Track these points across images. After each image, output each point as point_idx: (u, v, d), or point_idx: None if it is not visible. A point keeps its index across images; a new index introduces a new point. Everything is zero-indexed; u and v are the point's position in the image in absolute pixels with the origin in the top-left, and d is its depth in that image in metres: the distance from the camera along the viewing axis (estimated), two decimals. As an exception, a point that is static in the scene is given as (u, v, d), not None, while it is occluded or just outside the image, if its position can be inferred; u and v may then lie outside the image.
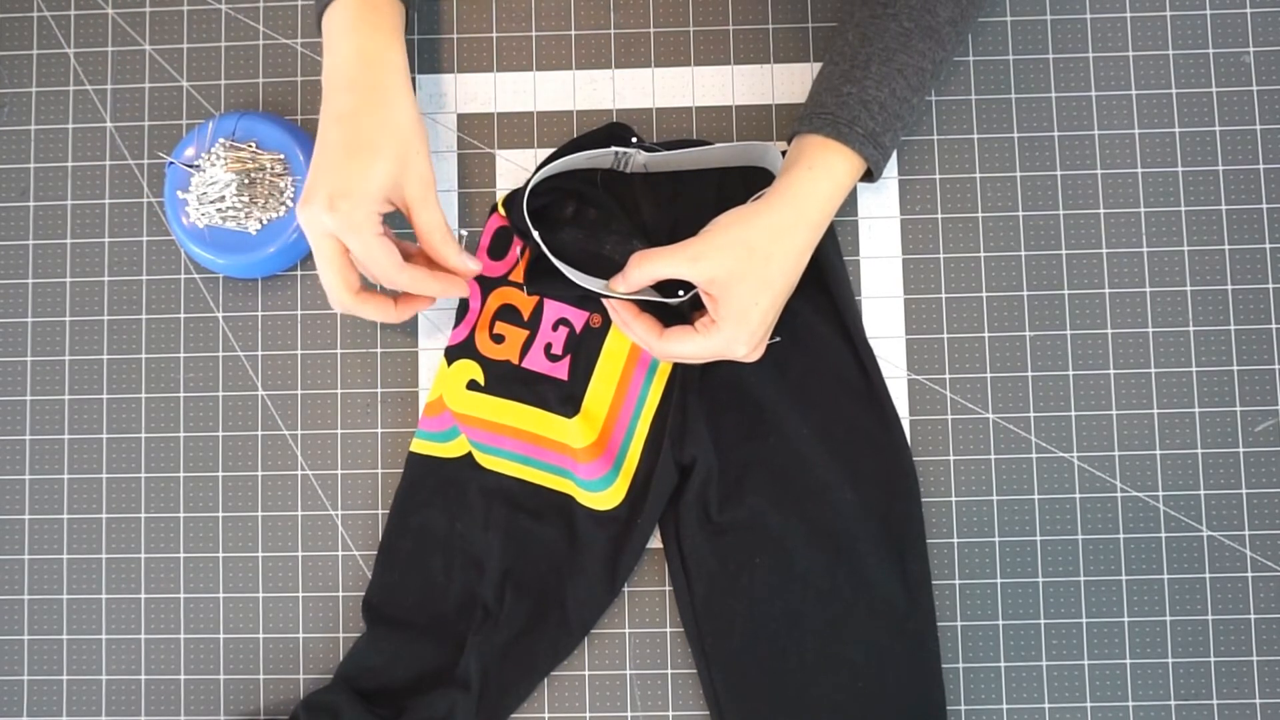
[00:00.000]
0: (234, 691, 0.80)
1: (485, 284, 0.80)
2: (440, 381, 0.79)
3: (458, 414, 0.78)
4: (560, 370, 0.79)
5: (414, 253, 0.75)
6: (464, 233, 0.82)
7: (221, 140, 0.79)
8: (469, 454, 0.79)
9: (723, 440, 0.78)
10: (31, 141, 0.84)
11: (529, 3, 0.84)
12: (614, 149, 0.78)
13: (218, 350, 0.82)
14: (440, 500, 0.79)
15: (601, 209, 0.79)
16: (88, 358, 0.82)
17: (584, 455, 0.77)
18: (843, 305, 0.79)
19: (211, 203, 0.79)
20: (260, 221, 0.79)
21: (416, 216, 0.72)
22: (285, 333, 0.82)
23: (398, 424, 0.81)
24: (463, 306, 0.80)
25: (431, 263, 0.74)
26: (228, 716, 0.80)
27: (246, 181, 0.79)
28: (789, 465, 0.78)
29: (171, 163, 0.80)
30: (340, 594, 0.80)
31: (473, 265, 0.74)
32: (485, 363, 0.79)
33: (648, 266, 0.72)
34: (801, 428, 0.78)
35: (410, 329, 0.82)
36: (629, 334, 0.76)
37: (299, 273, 0.82)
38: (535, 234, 0.74)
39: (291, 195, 0.79)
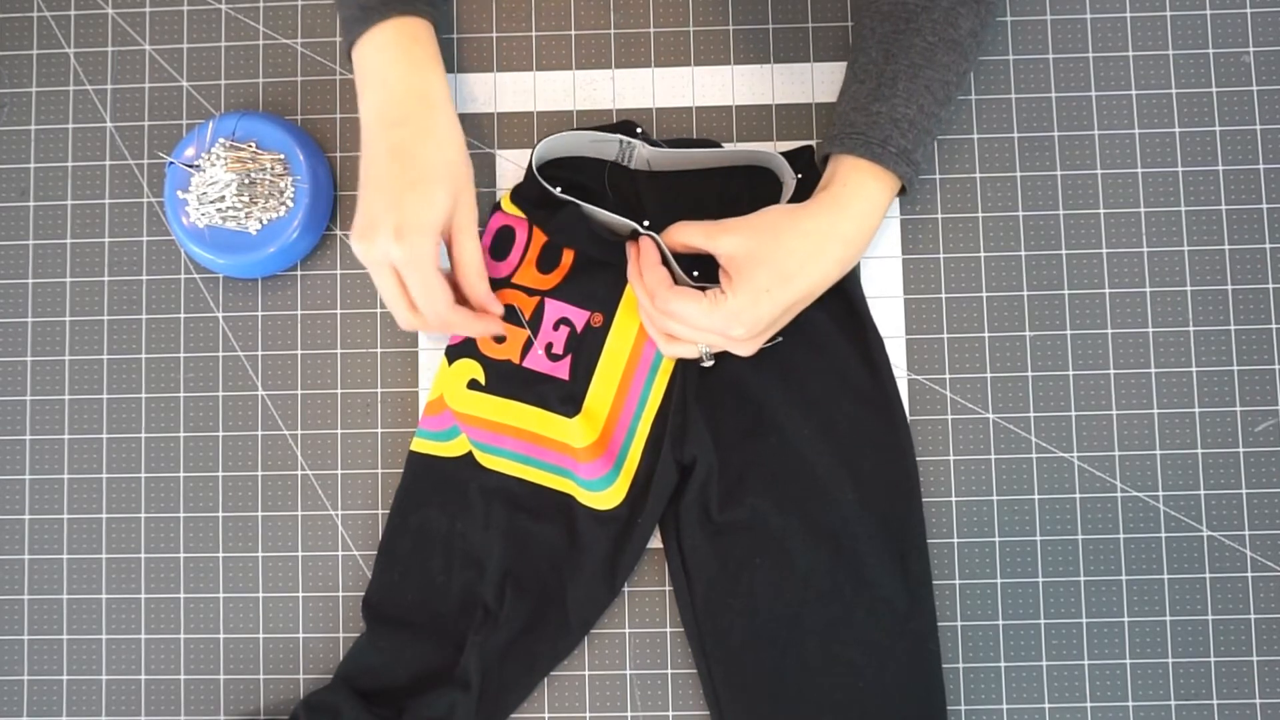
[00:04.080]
0: (234, 691, 0.80)
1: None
2: (441, 380, 0.79)
3: (458, 413, 0.78)
4: (561, 370, 0.79)
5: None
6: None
7: (221, 140, 0.79)
8: (469, 453, 0.79)
9: (723, 440, 0.78)
10: (31, 141, 0.84)
11: (529, 3, 0.84)
12: (619, 137, 0.78)
13: (218, 350, 0.82)
14: (440, 500, 0.79)
15: (604, 204, 0.79)
16: (88, 358, 0.82)
17: (585, 455, 0.77)
18: (856, 302, 0.79)
19: (211, 203, 0.79)
20: (260, 221, 0.79)
21: (459, 247, 0.73)
22: (285, 333, 0.82)
23: (398, 424, 0.81)
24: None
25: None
26: (228, 716, 0.80)
27: (246, 181, 0.79)
28: (790, 465, 0.78)
29: (171, 163, 0.80)
30: (340, 594, 0.80)
31: (496, 308, 0.76)
32: (486, 362, 0.79)
33: (677, 233, 0.74)
34: (803, 427, 0.78)
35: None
36: (637, 282, 0.75)
37: (299, 273, 0.82)
38: (557, 190, 0.76)
39: (291, 195, 0.79)
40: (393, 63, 0.73)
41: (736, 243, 0.72)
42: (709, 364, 0.76)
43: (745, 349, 0.74)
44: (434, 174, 0.71)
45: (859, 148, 0.73)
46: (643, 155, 0.79)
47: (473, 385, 0.79)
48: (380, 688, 0.77)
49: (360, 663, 0.78)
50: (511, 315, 0.79)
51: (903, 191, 0.75)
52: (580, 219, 0.77)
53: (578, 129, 0.79)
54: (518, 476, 0.79)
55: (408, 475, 0.79)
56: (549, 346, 0.79)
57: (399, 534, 0.79)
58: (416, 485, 0.79)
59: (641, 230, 0.76)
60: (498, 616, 0.77)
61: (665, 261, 0.76)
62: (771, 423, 0.78)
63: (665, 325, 0.74)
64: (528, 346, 0.79)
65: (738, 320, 0.71)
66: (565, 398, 0.78)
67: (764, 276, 0.71)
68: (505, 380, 0.79)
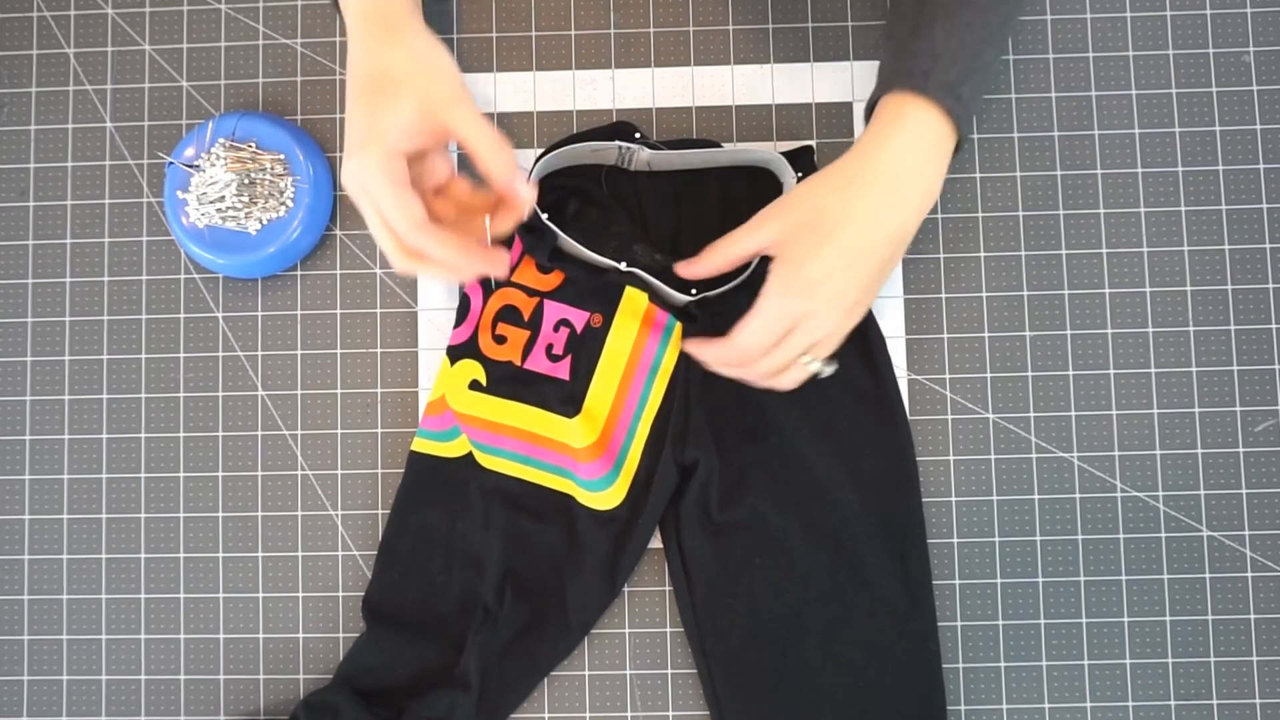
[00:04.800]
0: (234, 691, 0.80)
1: (487, 284, 0.80)
2: (442, 381, 0.79)
3: (459, 414, 0.78)
4: (561, 370, 0.79)
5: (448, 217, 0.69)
6: None
7: (221, 140, 0.79)
8: (470, 454, 0.79)
9: (724, 440, 0.78)
10: (31, 141, 0.84)
11: (529, 3, 0.84)
12: (618, 143, 0.78)
13: (218, 350, 0.82)
14: (441, 500, 0.79)
15: (603, 209, 0.79)
16: (88, 358, 0.82)
17: (585, 455, 0.77)
18: None
19: (211, 203, 0.79)
20: (260, 221, 0.79)
21: (462, 130, 0.65)
22: (285, 333, 0.82)
23: (398, 424, 0.81)
24: (464, 306, 0.80)
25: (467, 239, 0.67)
26: (228, 716, 0.80)
27: (246, 181, 0.79)
28: (790, 465, 0.78)
29: (171, 163, 0.80)
30: (340, 594, 0.80)
31: (526, 192, 0.66)
32: (487, 363, 0.79)
33: (724, 250, 0.69)
34: (803, 428, 0.78)
35: (409, 329, 0.82)
36: (721, 368, 0.71)
37: (299, 273, 0.82)
38: (551, 224, 0.76)
39: (291, 195, 0.79)
40: None
41: (774, 226, 0.67)
42: (830, 370, 0.70)
43: (834, 321, 0.67)
44: (393, 74, 0.64)
45: (898, 83, 0.68)
46: (642, 158, 0.79)
47: (474, 386, 0.79)
48: (380, 687, 0.77)
49: (360, 663, 0.78)
50: (510, 315, 0.80)
51: (959, 148, 0.69)
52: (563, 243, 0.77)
53: (576, 138, 0.78)
54: (518, 477, 0.79)
55: (408, 475, 0.79)
56: (549, 347, 0.79)
57: (399, 534, 0.79)
58: (417, 485, 0.79)
59: (623, 270, 0.75)
60: (498, 616, 0.77)
61: (651, 286, 0.75)
62: (772, 423, 0.78)
63: (758, 365, 0.69)
64: (529, 347, 0.79)
65: (797, 295, 0.66)
66: (565, 398, 0.78)
67: (807, 241, 0.66)
68: (506, 381, 0.79)
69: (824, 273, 0.66)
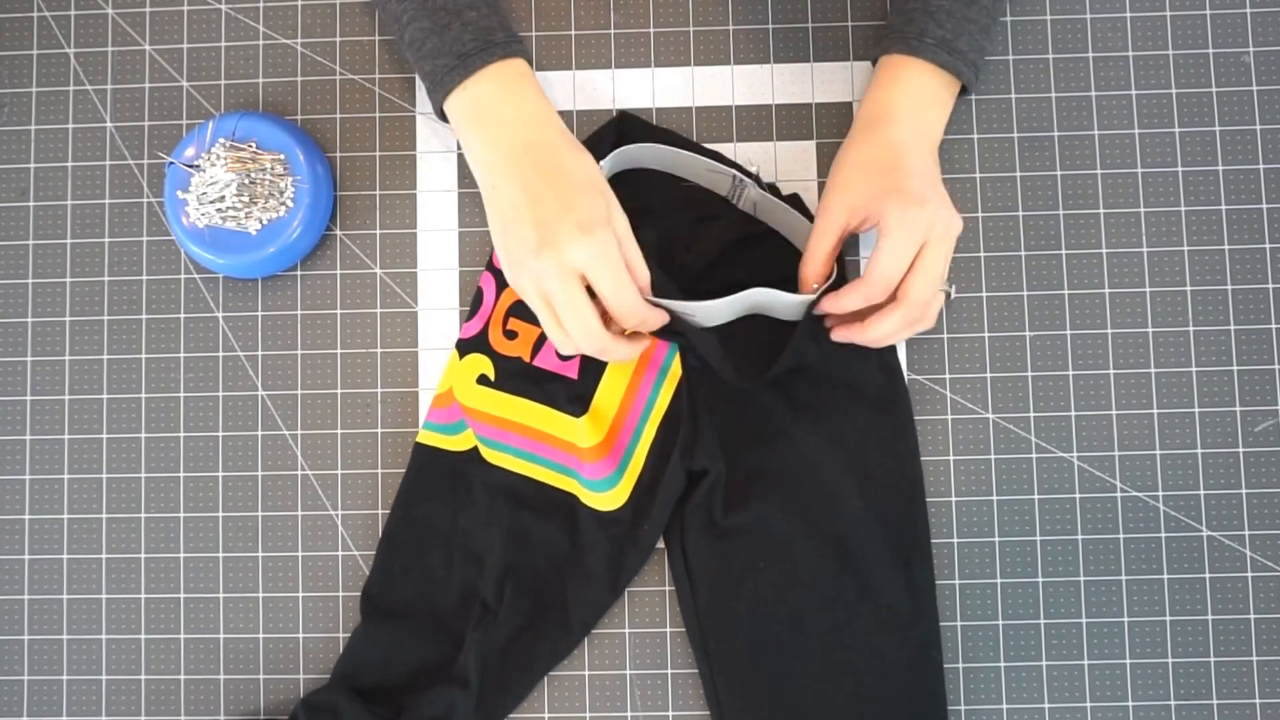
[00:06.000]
0: (234, 691, 0.80)
1: (501, 279, 0.80)
2: (450, 374, 0.79)
3: (466, 408, 0.78)
4: (570, 369, 0.79)
5: None
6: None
7: (221, 140, 0.79)
8: (475, 448, 0.79)
9: (730, 445, 0.78)
10: (31, 141, 0.84)
11: (529, 3, 0.84)
12: (734, 173, 0.78)
13: (218, 350, 0.82)
14: (444, 493, 0.79)
15: (662, 234, 0.78)
16: (88, 358, 0.82)
17: (589, 455, 0.77)
18: None
19: (211, 203, 0.79)
20: (260, 221, 0.79)
21: (628, 251, 0.70)
22: (285, 333, 0.82)
23: (398, 424, 0.81)
24: (477, 299, 0.80)
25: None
26: (228, 717, 0.80)
27: (246, 181, 0.79)
28: (796, 470, 0.77)
29: (171, 163, 0.80)
30: (340, 594, 0.80)
31: (659, 317, 0.72)
32: (497, 358, 0.79)
33: (813, 260, 0.73)
34: (810, 433, 0.78)
35: (410, 329, 0.82)
36: (864, 330, 0.72)
37: (299, 273, 0.82)
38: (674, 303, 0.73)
39: (291, 195, 0.79)
40: (511, 99, 0.71)
41: (843, 200, 0.71)
42: (954, 291, 0.75)
43: (953, 215, 0.71)
44: (590, 181, 0.69)
45: (895, 45, 0.73)
46: (751, 197, 0.78)
47: (482, 380, 0.79)
48: (377, 683, 0.77)
49: (357, 659, 0.78)
50: (523, 311, 0.79)
51: (964, 92, 0.75)
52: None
53: (693, 146, 0.79)
54: (522, 474, 0.78)
55: (412, 467, 0.79)
56: None
57: (401, 526, 0.79)
58: (421, 477, 0.79)
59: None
60: (497, 613, 0.77)
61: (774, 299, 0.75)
62: (780, 428, 0.78)
63: (913, 294, 0.71)
64: (539, 345, 0.79)
65: (914, 204, 0.69)
66: (573, 397, 0.78)
67: (884, 178, 0.70)
68: (514, 377, 0.79)
69: (918, 183, 0.70)
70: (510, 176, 0.69)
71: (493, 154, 0.70)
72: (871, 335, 0.72)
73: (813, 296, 0.73)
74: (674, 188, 0.80)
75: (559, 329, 0.69)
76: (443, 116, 0.74)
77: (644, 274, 0.70)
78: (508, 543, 0.78)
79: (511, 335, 0.79)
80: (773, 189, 0.79)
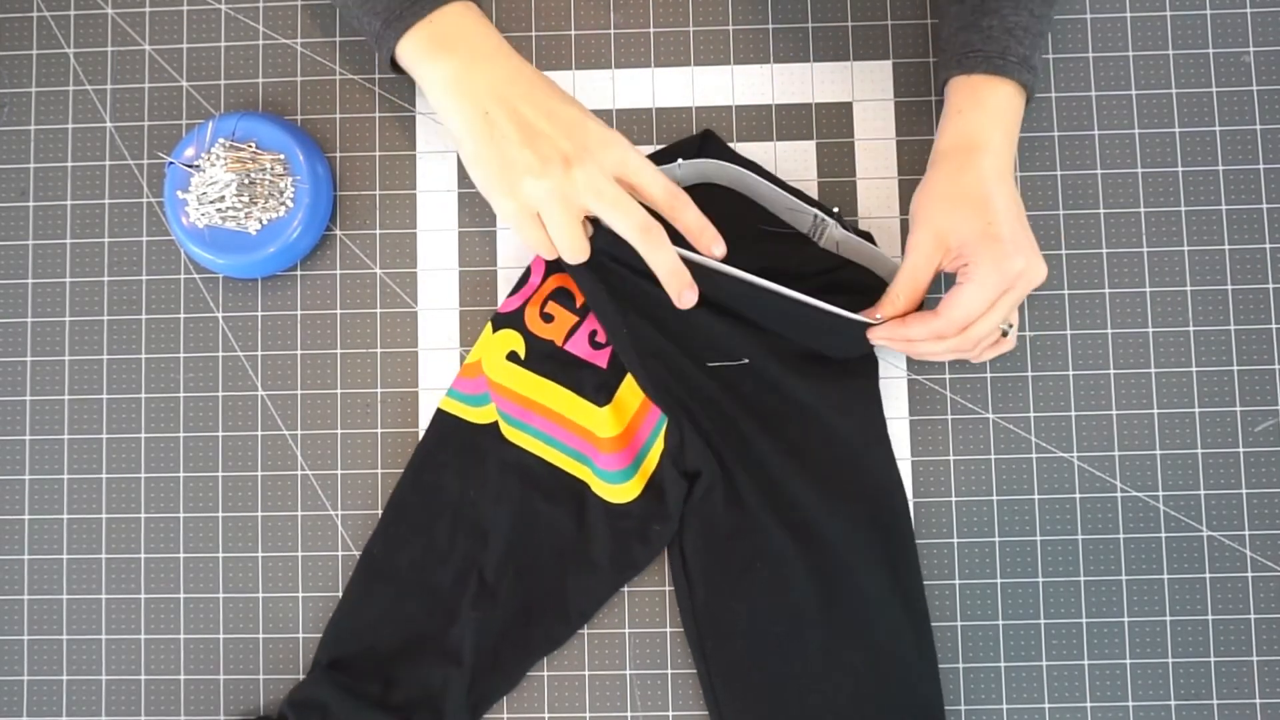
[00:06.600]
0: (234, 691, 0.80)
1: (552, 265, 0.79)
2: (482, 346, 0.79)
3: (492, 382, 0.78)
4: (600, 359, 0.79)
5: None
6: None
7: (221, 140, 0.79)
8: (494, 423, 0.79)
9: (728, 447, 0.78)
10: (31, 141, 0.84)
11: (529, 3, 0.84)
12: (815, 212, 0.77)
13: (218, 350, 0.82)
14: (458, 463, 0.79)
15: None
16: (88, 358, 0.82)
17: (607, 446, 0.77)
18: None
19: (211, 203, 0.79)
20: (260, 221, 0.79)
21: (645, 183, 0.70)
22: (285, 333, 0.82)
23: (398, 424, 0.81)
24: (523, 278, 0.80)
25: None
26: (228, 717, 0.80)
27: (246, 181, 0.79)
28: (794, 472, 0.77)
29: (171, 163, 0.80)
30: (340, 594, 0.80)
31: (718, 247, 0.71)
32: (529, 337, 0.79)
33: (903, 296, 0.72)
34: (807, 435, 0.78)
35: (410, 329, 0.82)
36: (911, 344, 0.73)
37: (299, 273, 0.82)
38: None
39: (291, 195, 0.79)
40: (484, 28, 0.71)
41: (933, 239, 0.71)
42: (1014, 332, 0.75)
43: (1040, 265, 0.71)
44: (580, 104, 0.70)
45: (980, 65, 0.72)
46: (834, 236, 0.78)
47: (511, 357, 0.79)
48: (368, 648, 0.77)
49: (346, 625, 0.77)
50: (563, 297, 0.78)
51: (1029, 102, 0.74)
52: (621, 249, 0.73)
53: (774, 179, 0.78)
54: (537, 454, 0.79)
55: (431, 432, 0.79)
56: (592, 334, 0.79)
57: (412, 489, 0.79)
58: (438, 444, 0.79)
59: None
60: (494, 592, 0.77)
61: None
62: (779, 430, 0.78)
63: (974, 333, 0.72)
64: (573, 331, 0.79)
65: (1012, 254, 0.69)
66: (599, 386, 0.78)
67: (974, 220, 0.70)
68: (544, 359, 0.79)
69: (1009, 229, 0.70)
70: (495, 107, 0.69)
71: (480, 79, 0.70)
72: (919, 350, 0.74)
73: (873, 321, 0.73)
74: (757, 223, 0.80)
75: (562, 235, 0.70)
76: (392, 66, 0.73)
77: (676, 202, 0.70)
78: (514, 522, 0.78)
79: (548, 318, 0.79)
80: (854, 228, 0.79)
